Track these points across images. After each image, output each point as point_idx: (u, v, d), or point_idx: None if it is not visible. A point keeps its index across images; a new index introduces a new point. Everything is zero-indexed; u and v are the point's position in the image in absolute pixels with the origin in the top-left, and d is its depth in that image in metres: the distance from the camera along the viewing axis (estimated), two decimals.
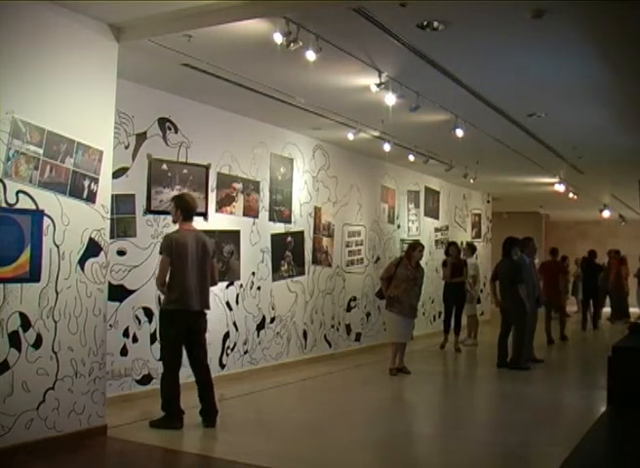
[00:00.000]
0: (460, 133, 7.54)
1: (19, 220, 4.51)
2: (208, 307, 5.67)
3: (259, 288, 8.11)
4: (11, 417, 4.45)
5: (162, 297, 5.78)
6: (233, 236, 7.69)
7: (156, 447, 5.05)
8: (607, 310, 16.38)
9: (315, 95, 6.90)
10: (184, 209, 5.62)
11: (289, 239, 8.72)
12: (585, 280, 14.68)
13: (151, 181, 6.68)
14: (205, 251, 5.59)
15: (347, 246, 10.12)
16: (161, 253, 5.54)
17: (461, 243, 13.87)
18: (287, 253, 8.67)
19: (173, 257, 5.44)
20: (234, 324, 7.69)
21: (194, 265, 5.48)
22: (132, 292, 6.46)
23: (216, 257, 5.71)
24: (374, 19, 4.74)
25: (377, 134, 8.70)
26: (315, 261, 9.28)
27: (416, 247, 8.47)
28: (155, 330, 6.68)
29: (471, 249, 11.96)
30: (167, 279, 5.47)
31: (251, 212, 8.02)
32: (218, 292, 7.11)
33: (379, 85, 6.00)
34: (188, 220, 5.64)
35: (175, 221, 5.70)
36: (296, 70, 5.86)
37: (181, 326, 5.45)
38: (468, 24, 4.88)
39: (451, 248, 10.88)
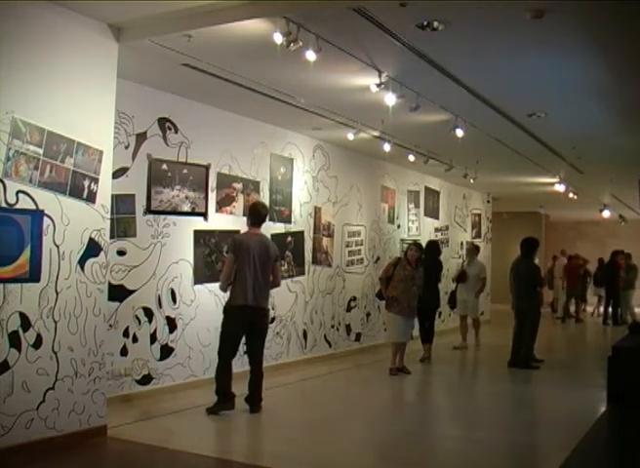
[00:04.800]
0: (460, 133, 7.54)
1: (19, 220, 4.51)
2: (265, 305, 6.21)
3: None
4: (11, 417, 4.45)
5: (223, 295, 6.51)
6: (233, 236, 7.68)
7: (156, 447, 5.05)
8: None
9: (315, 95, 6.90)
10: (252, 216, 6.29)
11: (289, 239, 8.72)
12: (606, 279, 15.92)
13: (151, 181, 6.68)
14: (267, 254, 6.15)
15: (347, 246, 10.12)
16: (227, 252, 6.28)
17: (462, 243, 13.88)
18: (287, 253, 8.67)
19: (237, 257, 6.01)
20: None
21: (255, 266, 6.03)
22: (132, 292, 6.46)
23: (279, 261, 6.46)
24: (374, 19, 4.74)
25: (377, 134, 8.70)
26: (315, 261, 9.28)
27: (410, 248, 8.53)
28: (155, 329, 6.71)
29: (477, 249, 11.57)
30: (231, 277, 6.05)
31: None
32: (218, 291, 7.09)
33: (379, 85, 6.00)
34: (256, 226, 6.25)
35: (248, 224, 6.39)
36: (296, 70, 5.85)
37: (241, 320, 6.03)
38: (468, 24, 4.88)
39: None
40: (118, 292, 6.26)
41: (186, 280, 7.10)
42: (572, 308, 17.27)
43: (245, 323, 6.05)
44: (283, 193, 8.62)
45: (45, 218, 4.69)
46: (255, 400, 6.15)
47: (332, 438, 5.44)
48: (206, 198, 7.28)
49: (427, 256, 9.49)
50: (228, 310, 6.12)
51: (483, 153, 9.96)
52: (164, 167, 6.82)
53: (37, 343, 4.63)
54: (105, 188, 5.18)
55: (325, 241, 9.52)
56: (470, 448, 5.30)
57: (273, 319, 8.34)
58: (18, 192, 4.51)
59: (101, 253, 5.15)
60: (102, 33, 5.12)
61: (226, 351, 6.10)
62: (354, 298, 10.25)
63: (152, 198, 6.68)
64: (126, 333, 6.44)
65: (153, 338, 6.70)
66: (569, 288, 16.63)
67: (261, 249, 6.11)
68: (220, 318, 7.37)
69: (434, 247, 9.83)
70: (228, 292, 6.19)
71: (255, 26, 4.91)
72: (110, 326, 6.02)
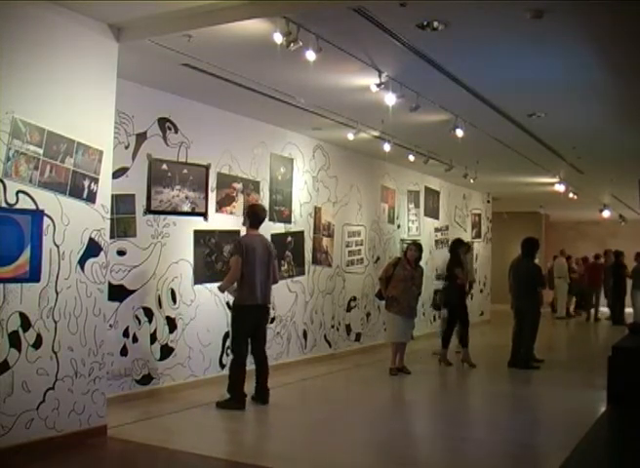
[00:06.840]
0: (460, 133, 7.54)
1: (19, 220, 4.51)
2: (269, 302, 6.53)
3: None
4: (11, 417, 4.45)
5: (223, 295, 6.90)
6: (233, 236, 7.68)
7: (156, 447, 5.05)
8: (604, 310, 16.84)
9: (315, 95, 6.91)
10: (251, 217, 6.51)
11: (289, 239, 8.72)
12: (615, 279, 15.96)
13: (151, 181, 6.68)
14: (269, 254, 6.44)
15: (347, 246, 10.12)
16: (233, 254, 6.34)
17: None
18: (287, 253, 8.67)
19: (244, 260, 6.20)
20: None
21: (261, 266, 6.31)
22: (132, 292, 6.46)
23: (277, 259, 6.77)
24: (374, 19, 4.74)
25: (377, 134, 8.70)
26: (315, 261, 9.28)
27: (410, 248, 8.54)
28: (155, 329, 6.71)
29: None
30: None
31: None
32: (218, 292, 7.09)
33: (379, 85, 6.00)
34: (255, 227, 6.49)
35: (244, 225, 6.68)
36: (296, 70, 5.85)
37: (250, 319, 6.30)
38: (468, 24, 4.88)
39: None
40: (118, 292, 6.26)
41: (186, 280, 7.10)
42: (572, 307, 17.32)
43: (254, 320, 6.34)
44: (283, 193, 8.62)
45: (45, 218, 4.69)
46: (262, 392, 6.37)
47: (332, 438, 5.44)
48: (206, 198, 7.29)
49: (452, 255, 9.44)
50: (243, 310, 6.29)
51: (483, 153, 9.96)
52: (164, 167, 6.82)
53: (37, 343, 4.63)
54: (105, 188, 5.18)
55: (325, 241, 9.52)
56: (470, 447, 5.30)
57: (273, 319, 8.36)
58: (18, 192, 4.51)
59: (101, 253, 5.15)
60: (102, 33, 5.12)
61: (242, 349, 6.31)
62: (354, 298, 10.25)
63: (152, 198, 6.68)
64: (126, 333, 6.43)
65: (153, 338, 6.70)
66: (593, 287, 16.76)
67: (264, 249, 6.38)
68: (221, 318, 7.43)
69: (459, 245, 9.55)
70: (227, 293, 6.52)
71: (255, 26, 4.91)
72: (110, 326, 6.02)
